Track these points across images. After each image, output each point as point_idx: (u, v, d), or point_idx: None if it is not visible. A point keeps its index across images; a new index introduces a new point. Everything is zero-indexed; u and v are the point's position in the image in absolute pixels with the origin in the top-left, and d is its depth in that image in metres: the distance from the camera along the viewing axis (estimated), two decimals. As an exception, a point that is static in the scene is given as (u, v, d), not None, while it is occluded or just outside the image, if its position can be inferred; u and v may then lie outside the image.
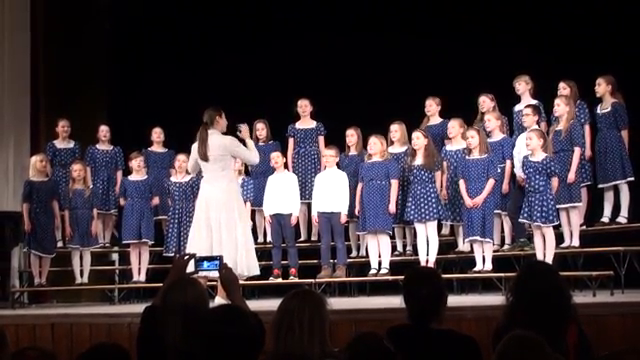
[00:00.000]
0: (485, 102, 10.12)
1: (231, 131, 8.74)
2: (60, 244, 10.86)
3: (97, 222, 10.79)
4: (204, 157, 8.38)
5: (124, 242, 10.71)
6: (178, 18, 13.24)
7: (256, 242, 10.59)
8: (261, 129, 10.94)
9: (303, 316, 3.68)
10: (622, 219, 9.34)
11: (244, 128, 8.86)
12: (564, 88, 9.61)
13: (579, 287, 8.95)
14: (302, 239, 10.84)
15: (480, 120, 10.09)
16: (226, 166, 8.49)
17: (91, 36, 13.32)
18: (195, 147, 8.54)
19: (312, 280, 9.86)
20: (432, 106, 10.49)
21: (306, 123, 10.91)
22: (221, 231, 8.34)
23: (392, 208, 9.77)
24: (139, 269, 10.59)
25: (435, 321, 4.16)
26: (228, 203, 8.44)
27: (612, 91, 9.40)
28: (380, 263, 9.77)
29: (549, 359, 3.33)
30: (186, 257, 4.51)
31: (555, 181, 8.79)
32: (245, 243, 8.51)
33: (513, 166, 9.54)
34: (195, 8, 13.18)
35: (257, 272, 8.86)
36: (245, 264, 8.37)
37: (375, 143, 9.85)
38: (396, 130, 10.10)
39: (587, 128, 9.48)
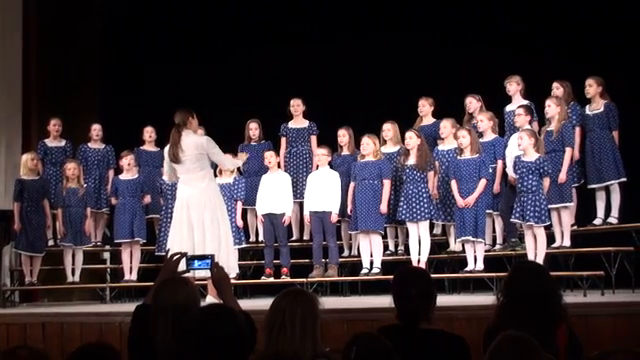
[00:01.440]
0: (472, 103, 10.17)
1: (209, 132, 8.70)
2: (51, 242, 10.86)
3: (90, 220, 10.78)
4: (175, 159, 8.31)
5: (116, 241, 10.70)
6: (170, 18, 13.22)
7: (248, 241, 10.64)
8: (254, 129, 10.93)
9: (295, 315, 3.68)
10: (613, 219, 9.37)
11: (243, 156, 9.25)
12: (557, 88, 9.63)
13: (570, 287, 9.01)
14: (294, 238, 10.85)
15: (468, 121, 10.12)
16: (204, 166, 8.42)
17: (84, 35, 13.27)
18: (166, 149, 8.52)
19: (304, 279, 9.87)
20: (425, 106, 10.49)
21: (298, 122, 10.91)
22: (205, 231, 8.30)
23: (384, 208, 9.78)
24: (130, 268, 10.58)
25: (424, 321, 4.16)
26: (209, 203, 8.40)
27: (602, 92, 9.42)
28: (372, 263, 9.78)
29: (542, 359, 3.33)
30: (177, 256, 4.50)
31: (546, 181, 8.82)
32: (226, 243, 8.52)
33: (505, 166, 9.55)
34: (188, 8, 13.16)
35: (237, 271, 8.88)
36: (225, 263, 8.36)
37: (368, 143, 9.86)
38: (389, 129, 10.11)
39: (578, 130, 9.49)
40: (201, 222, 8.32)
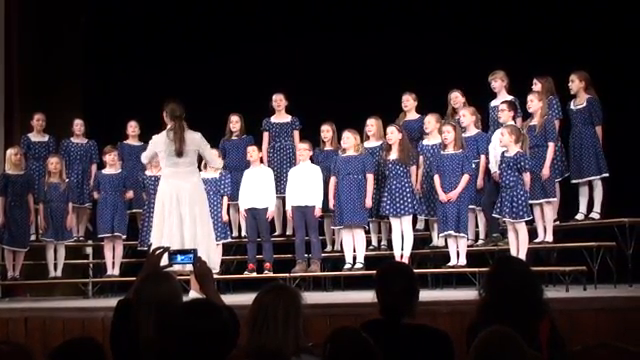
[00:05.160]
0: (457, 98, 10.18)
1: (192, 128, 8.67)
2: (34, 237, 10.81)
3: (72, 216, 10.74)
4: (180, 153, 8.29)
5: (99, 236, 10.66)
6: (153, 12, 13.19)
7: (231, 236, 10.61)
8: (235, 122, 10.90)
9: (278, 311, 3.67)
10: (595, 215, 9.39)
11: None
12: (535, 84, 9.66)
13: (552, 282, 9.03)
14: (277, 233, 10.84)
15: (451, 115, 10.13)
16: (194, 161, 8.45)
17: (67, 30, 13.23)
18: (160, 140, 8.40)
19: (287, 275, 9.86)
20: (409, 101, 10.48)
21: (281, 117, 10.90)
22: (196, 225, 8.30)
23: (369, 202, 9.77)
24: (113, 263, 10.56)
25: (407, 316, 4.17)
26: (200, 198, 8.41)
27: (586, 87, 9.41)
28: (355, 258, 9.77)
29: (527, 355, 3.33)
30: (159, 251, 4.48)
31: (527, 176, 8.83)
32: (213, 239, 8.54)
33: (488, 161, 9.56)
34: (170, 4, 13.13)
35: (217, 270, 8.90)
36: (216, 258, 8.37)
37: (349, 137, 9.85)
38: (372, 125, 10.10)
39: (557, 123, 9.51)
40: (193, 216, 8.31)
